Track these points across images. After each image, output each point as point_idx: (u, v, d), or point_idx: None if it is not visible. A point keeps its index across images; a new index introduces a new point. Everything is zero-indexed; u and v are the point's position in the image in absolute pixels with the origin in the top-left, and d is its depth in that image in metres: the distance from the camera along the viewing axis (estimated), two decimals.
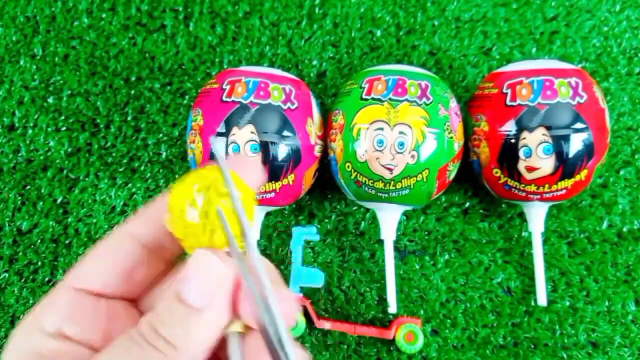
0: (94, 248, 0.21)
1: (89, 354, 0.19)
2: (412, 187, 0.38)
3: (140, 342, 0.17)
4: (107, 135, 0.47)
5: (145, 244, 0.21)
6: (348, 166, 0.39)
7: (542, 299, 0.41)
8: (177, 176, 0.46)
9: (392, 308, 0.41)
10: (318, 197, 0.45)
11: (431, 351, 0.43)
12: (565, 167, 0.37)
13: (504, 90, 0.39)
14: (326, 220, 0.45)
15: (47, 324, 0.19)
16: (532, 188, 0.38)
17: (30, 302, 0.45)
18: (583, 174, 0.38)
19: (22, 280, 0.45)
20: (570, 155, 0.37)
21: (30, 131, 0.47)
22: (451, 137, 0.38)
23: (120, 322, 0.20)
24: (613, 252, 0.44)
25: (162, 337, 0.17)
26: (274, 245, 0.44)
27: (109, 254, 0.21)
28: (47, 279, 0.45)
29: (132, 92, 0.47)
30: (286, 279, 0.41)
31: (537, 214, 0.41)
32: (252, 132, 0.37)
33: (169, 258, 0.22)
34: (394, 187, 0.38)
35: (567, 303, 0.43)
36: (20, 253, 0.45)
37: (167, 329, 0.17)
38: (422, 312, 0.43)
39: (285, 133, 0.38)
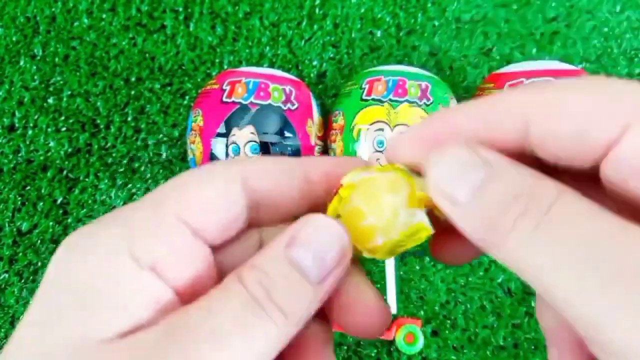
0: (199, 178, 0.17)
1: (175, 299, 0.16)
2: None
3: (251, 306, 0.15)
4: (107, 136, 0.47)
5: (259, 196, 0.18)
6: None
7: None
8: None
9: (392, 309, 0.41)
10: None
11: (431, 352, 0.42)
12: None
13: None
14: None
15: (142, 253, 0.16)
16: None
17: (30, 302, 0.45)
18: None
19: (22, 281, 0.45)
20: None
21: (30, 131, 0.47)
22: None
23: (204, 268, 0.17)
24: None
25: (275, 304, 0.15)
26: None
27: (220, 194, 0.17)
28: None
29: (132, 92, 0.47)
30: None
31: None
32: (252, 133, 0.37)
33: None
34: None
35: None
36: (20, 253, 0.45)
37: (282, 296, 0.15)
38: (422, 313, 0.43)
39: (286, 134, 0.38)
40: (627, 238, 0.12)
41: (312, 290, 0.16)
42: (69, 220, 0.45)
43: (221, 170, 0.18)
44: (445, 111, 0.16)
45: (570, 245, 0.13)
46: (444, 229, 0.17)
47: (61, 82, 0.48)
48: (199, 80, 0.47)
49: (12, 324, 0.44)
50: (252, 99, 0.38)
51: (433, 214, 0.17)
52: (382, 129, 0.37)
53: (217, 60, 0.48)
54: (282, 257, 0.16)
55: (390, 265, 0.41)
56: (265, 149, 0.37)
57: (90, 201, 0.46)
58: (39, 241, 0.45)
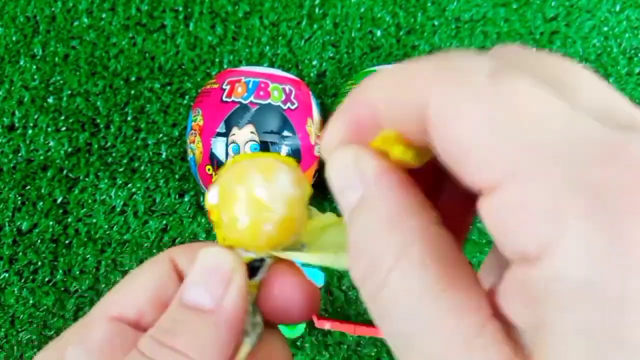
0: (132, 272, 0.18)
1: None
2: None
3: None
4: (107, 135, 0.47)
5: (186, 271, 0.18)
6: None
7: None
8: (177, 176, 0.46)
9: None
10: (318, 197, 0.45)
11: None
12: None
13: None
14: None
15: (70, 355, 0.16)
16: None
17: (30, 302, 0.45)
18: None
19: (22, 280, 0.45)
20: None
21: (30, 131, 0.47)
22: None
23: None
24: None
25: (167, 347, 0.15)
26: None
27: (150, 279, 0.18)
28: (47, 279, 0.45)
29: (132, 92, 0.47)
30: None
31: None
32: (252, 132, 0.37)
33: None
34: None
35: None
36: (20, 253, 0.45)
37: (173, 338, 0.15)
38: None
39: (285, 133, 0.38)
40: (444, 329, 0.11)
41: (214, 318, 0.16)
42: (69, 220, 0.45)
43: (151, 260, 0.18)
44: (364, 88, 0.14)
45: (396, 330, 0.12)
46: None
47: (61, 82, 0.48)
48: (198, 79, 0.47)
49: (12, 323, 0.44)
50: (252, 99, 0.38)
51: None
52: None
53: (217, 60, 0.48)
54: (174, 304, 0.16)
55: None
56: (265, 148, 0.37)
57: (90, 201, 0.46)
58: (39, 241, 0.45)
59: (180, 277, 0.18)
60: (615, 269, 0.09)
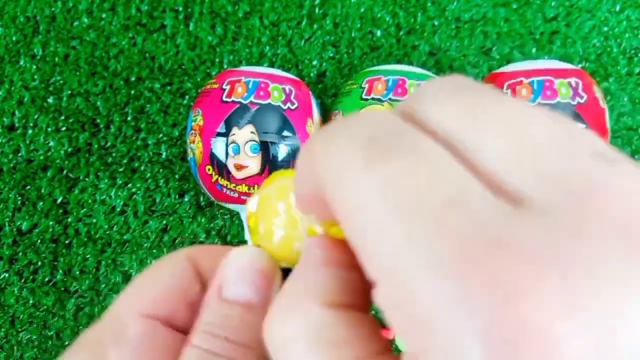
0: (152, 269, 0.18)
1: None
2: None
3: (209, 359, 0.15)
4: (107, 135, 0.47)
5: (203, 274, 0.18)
6: None
7: None
8: (177, 176, 0.46)
9: None
10: None
11: None
12: None
13: (504, 91, 0.39)
14: None
15: (112, 355, 0.16)
16: None
17: (30, 302, 0.45)
18: None
19: (22, 280, 0.45)
20: None
21: (30, 131, 0.47)
22: None
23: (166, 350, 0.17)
24: None
25: (225, 339, 0.15)
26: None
27: (176, 278, 0.17)
28: (47, 279, 0.45)
29: (132, 92, 0.47)
30: None
31: None
32: (252, 132, 0.37)
33: None
34: None
35: None
36: (20, 253, 0.45)
37: (229, 330, 0.15)
38: None
39: (285, 133, 0.38)
40: None
41: (259, 311, 0.16)
42: (69, 220, 0.45)
43: (167, 257, 0.18)
44: (298, 167, 0.13)
45: None
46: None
47: (61, 82, 0.48)
48: (198, 79, 0.47)
49: (12, 323, 0.44)
50: (252, 99, 0.38)
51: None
52: None
53: (217, 60, 0.48)
54: (220, 304, 0.16)
55: None
56: (265, 148, 0.37)
57: (90, 201, 0.46)
58: (39, 241, 0.45)
59: (200, 279, 0.18)
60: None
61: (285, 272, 0.18)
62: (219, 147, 0.38)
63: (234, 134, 0.37)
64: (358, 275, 0.13)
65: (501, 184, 0.10)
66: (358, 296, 0.13)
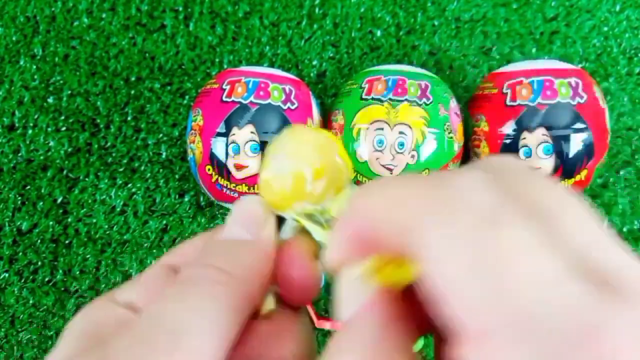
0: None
1: None
2: None
3: (187, 280, 0.16)
4: (107, 135, 0.47)
5: None
6: None
7: None
8: (177, 176, 0.46)
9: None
10: None
11: (430, 352, 0.43)
12: (565, 167, 0.37)
13: (504, 91, 0.39)
14: None
15: (119, 295, 0.18)
16: None
17: (30, 302, 0.45)
18: (583, 174, 0.38)
19: (22, 280, 0.45)
20: (571, 155, 0.37)
21: (30, 131, 0.47)
22: (451, 137, 0.38)
23: None
24: None
25: (210, 265, 0.16)
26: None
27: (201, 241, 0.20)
28: (47, 279, 0.45)
29: (132, 92, 0.47)
30: None
31: None
32: (252, 132, 0.37)
33: None
34: None
35: None
36: (20, 253, 0.45)
37: (214, 257, 0.16)
38: None
39: None
40: None
41: (254, 245, 0.17)
42: (69, 220, 0.45)
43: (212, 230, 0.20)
44: (362, 202, 0.14)
45: None
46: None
47: (61, 82, 0.48)
48: (198, 79, 0.47)
49: (12, 323, 0.44)
50: (252, 99, 0.38)
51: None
52: (381, 129, 0.37)
53: (217, 60, 0.48)
54: (213, 241, 0.18)
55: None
56: (265, 148, 0.37)
57: (90, 201, 0.46)
58: (39, 241, 0.45)
59: None
60: None
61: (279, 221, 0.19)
62: (219, 147, 0.38)
63: (234, 134, 0.37)
64: (409, 330, 0.14)
65: (594, 266, 0.11)
66: (409, 352, 0.14)
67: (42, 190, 0.46)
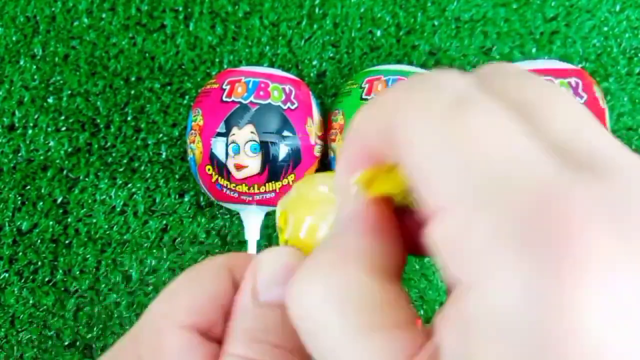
0: (190, 276, 0.17)
1: None
2: None
3: None
4: (107, 135, 0.47)
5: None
6: None
7: None
8: (177, 176, 0.46)
9: None
10: None
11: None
12: None
13: None
14: None
15: None
16: None
17: (30, 302, 0.45)
18: None
19: (22, 280, 0.45)
20: None
21: (30, 131, 0.47)
22: None
23: None
24: None
25: (264, 342, 0.15)
26: (273, 245, 0.44)
27: (216, 287, 0.17)
28: (47, 279, 0.45)
29: (132, 92, 0.47)
30: None
31: None
32: (252, 132, 0.37)
33: None
34: None
35: None
36: (20, 253, 0.45)
37: (265, 334, 0.15)
38: (421, 312, 0.43)
39: (285, 133, 0.38)
40: None
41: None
42: (69, 220, 0.45)
43: (205, 263, 0.18)
44: (354, 125, 0.14)
45: None
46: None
47: (61, 82, 0.48)
48: (198, 79, 0.47)
49: (12, 323, 0.44)
50: (252, 98, 0.38)
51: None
52: None
53: (217, 60, 0.48)
54: (254, 308, 0.16)
55: None
56: (265, 148, 0.37)
57: (90, 201, 0.46)
58: (39, 241, 0.45)
59: (237, 288, 0.17)
60: (544, 308, 0.09)
61: None
62: (219, 147, 0.38)
63: (234, 134, 0.37)
64: (394, 248, 0.14)
65: (569, 149, 0.11)
66: (392, 268, 0.13)
67: (42, 190, 0.46)
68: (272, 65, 0.48)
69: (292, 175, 0.39)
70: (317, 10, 0.49)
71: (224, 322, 0.17)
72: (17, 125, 0.47)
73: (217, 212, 0.46)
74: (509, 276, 0.09)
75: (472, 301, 0.10)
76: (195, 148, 0.39)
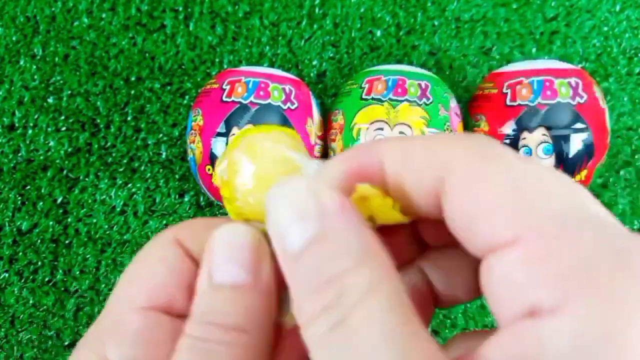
0: (140, 258, 0.17)
1: None
2: None
3: (199, 347, 0.14)
4: (107, 135, 0.47)
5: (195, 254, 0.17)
6: None
7: None
8: (177, 176, 0.46)
9: None
10: None
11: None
12: (565, 167, 0.37)
13: (504, 91, 0.39)
14: None
15: (111, 353, 0.16)
16: None
17: (30, 302, 0.45)
18: (583, 174, 0.38)
19: (22, 280, 0.45)
20: (571, 155, 0.37)
21: (30, 131, 0.47)
22: None
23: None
24: None
25: (219, 325, 0.14)
26: None
27: (167, 263, 0.17)
28: (47, 279, 0.45)
29: (132, 92, 0.47)
30: None
31: None
32: None
33: None
34: None
35: None
36: (20, 253, 0.45)
37: (222, 316, 0.15)
38: None
39: None
40: None
41: (255, 292, 0.15)
42: (69, 220, 0.45)
43: (153, 242, 0.18)
44: (376, 142, 0.15)
45: None
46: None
47: (61, 82, 0.48)
48: (198, 79, 0.47)
49: (12, 323, 0.44)
50: (252, 99, 0.38)
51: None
52: (381, 129, 0.37)
53: (217, 60, 0.48)
54: (210, 289, 0.15)
55: None
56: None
57: (90, 201, 0.46)
58: (39, 241, 0.45)
59: (191, 258, 0.17)
60: (610, 339, 0.10)
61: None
62: (219, 147, 0.38)
63: (234, 134, 0.37)
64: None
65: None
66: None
67: (42, 190, 0.46)
68: (272, 65, 0.48)
69: None
70: (317, 10, 0.49)
71: (188, 296, 0.16)
72: (17, 125, 0.47)
73: (217, 212, 0.46)
74: (588, 304, 0.10)
75: (547, 322, 0.11)
76: (195, 148, 0.39)
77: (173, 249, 0.17)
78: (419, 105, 0.37)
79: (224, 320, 0.15)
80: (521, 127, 0.37)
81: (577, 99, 0.37)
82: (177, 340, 0.15)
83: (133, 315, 0.16)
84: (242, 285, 0.15)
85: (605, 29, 0.48)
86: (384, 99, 0.38)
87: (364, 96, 0.39)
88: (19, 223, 0.46)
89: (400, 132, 0.37)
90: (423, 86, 0.38)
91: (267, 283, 0.15)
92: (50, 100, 0.48)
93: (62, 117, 0.47)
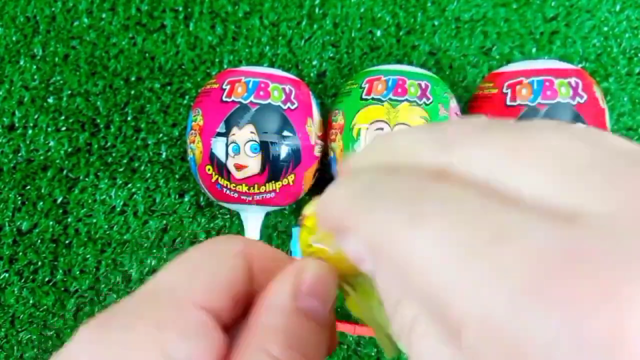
0: (203, 254, 0.17)
1: None
2: None
3: None
4: (107, 135, 0.47)
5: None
6: None
7: None
8: (177, 176, 0.46)
9: None
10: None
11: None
12: None
13: (504, 91, 0.39)
14: None
15: (176, 353, 0.15)
16: None
17: (30, 302, 0.45)
18: None
19: (22, 280, 0.45)
20: None
21: (30, 131, 0.47)
22: None
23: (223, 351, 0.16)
24: None
25: (295, 351, 0.15)
26: (273, 245, 0.44)
27: (231, 272, 0.17)
28: (47, 279, 0.45)
29: (132, 92, 0.47)
30: None
31: None
32: (252, 132, 0.37)
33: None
34: None
35: None
36: (20, 253, 0.45)
37: (298, 344, 0.16)
38: None
39: (285, 133, 0.38)
40: None
41: (324, 327, 0.16)
42: (69, 220, 0.45)
43: (224, 244, 0.18)
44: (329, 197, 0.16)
45: None
46: None
47: (61, 82, 0.48)
48: (198, 79, 0.47)
49: (12, 323, 0.44)
50: (252, 99, 0.38)
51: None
52: (381, 128, 0.37)
53: (217, 60, 0.48)
54: (291, 310, 0.16)
55: None
56: (265, 148, 0.37)
57: (90, 201, 0.46)
58: (39, 241, 0.45)
59: (250, 276, 0.17)
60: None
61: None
62: (219, 147, 0.38)
63: (233, 134, 0.37)
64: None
65: (552, 208, 0.11)
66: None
67: (42, 190, 0.46)
68: (272, 65, 0.48)
69: (292, 175, 0.39)
70: (317, 10, 0.49)
71: (233, 310, 0.17)
72: (17, 125, 0.47)
73: (217, 212, 0.46)
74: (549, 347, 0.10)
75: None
76: (195, 148, 0.39)
77: (243, 262, 0.17)
78: (419, 105, 0.37)
79: (301, 347, 0.15)
80: None
81: (577, 99, 0.37)
82: (218, 348, 0.15)
83: (194, 311, 0.16)
84: (317, 318, 0.16)
85: (605, 29, 0.48)
86: (384, 99, 0.38)
87: (364, 96, 0.39)
88: (19, 223, 0.46)
89: None
90: (423, 86, 0.38)
91: (331, 322, 0.17)
92: (50, 100, 0.48)
93: (62, 117, 0.47)
